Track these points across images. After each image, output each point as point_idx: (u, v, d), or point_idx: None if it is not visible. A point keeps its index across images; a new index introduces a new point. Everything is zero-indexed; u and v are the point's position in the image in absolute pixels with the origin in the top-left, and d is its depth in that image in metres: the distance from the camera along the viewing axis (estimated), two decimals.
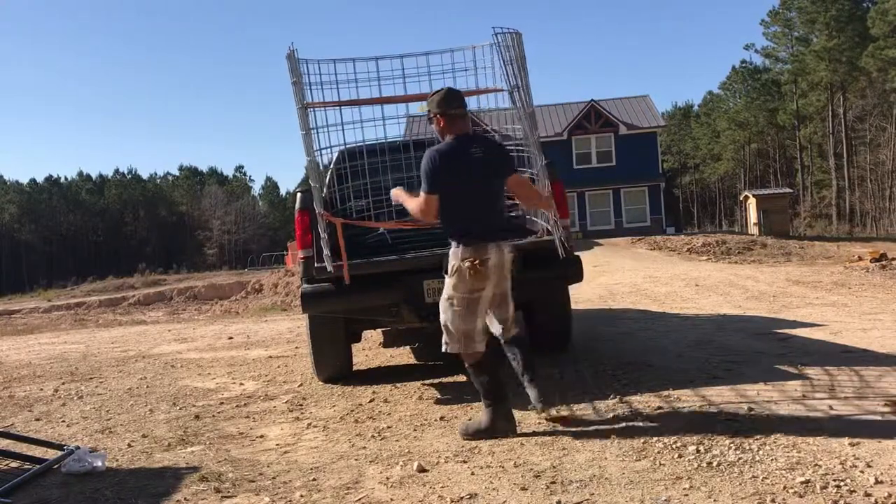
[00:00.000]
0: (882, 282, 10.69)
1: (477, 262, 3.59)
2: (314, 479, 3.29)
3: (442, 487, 3.02)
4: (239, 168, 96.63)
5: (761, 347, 5.59)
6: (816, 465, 2.91)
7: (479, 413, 3.88)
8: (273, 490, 3.19)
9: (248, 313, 17.39)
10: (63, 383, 6.67)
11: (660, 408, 3.94)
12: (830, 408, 3.70)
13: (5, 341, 12.52)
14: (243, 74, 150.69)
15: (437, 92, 3.86)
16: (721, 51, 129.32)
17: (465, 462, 3.33)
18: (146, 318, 19.15)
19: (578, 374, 4.96)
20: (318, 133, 4.67)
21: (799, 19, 54.35)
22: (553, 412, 3.78)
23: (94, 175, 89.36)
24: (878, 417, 3.51)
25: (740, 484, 2.78)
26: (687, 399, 4.09)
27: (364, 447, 3.74)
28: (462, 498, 2.89)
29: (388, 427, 4.07)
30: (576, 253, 5.09)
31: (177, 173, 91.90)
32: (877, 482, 2.70)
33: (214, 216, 73.29)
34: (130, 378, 6.73)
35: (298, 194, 5.15)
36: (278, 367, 6.70)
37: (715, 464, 3.01)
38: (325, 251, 4.42)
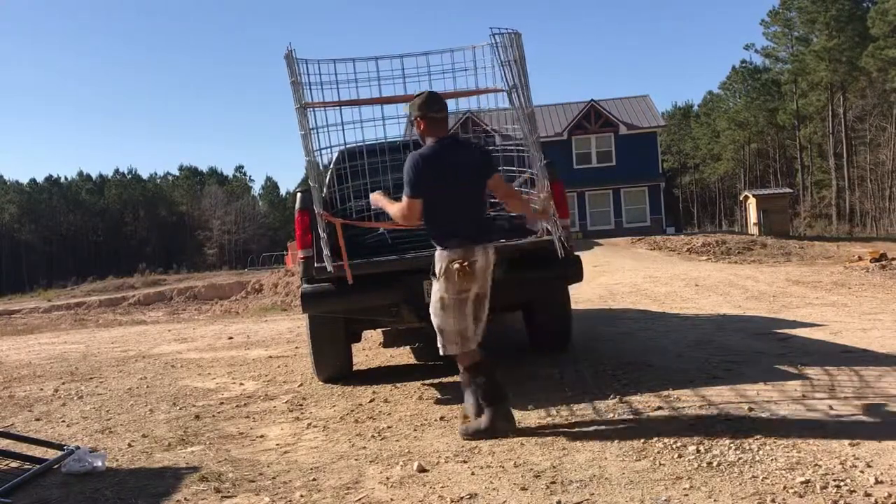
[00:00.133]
0: (882, 282, 10.69)
1: (466, 263, 3.64)
2: (314, 479, 3.29)
3: (442, 487, 3.02)
4: (239, 168, 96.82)
5: (761, 347, 5.59)
6: (816, 465, 2.91)
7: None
8: (273, 490, 3.19)
9: (248, 313, 17.39)
10: (63, 383, 6.68)
11: (660, 408, 3.94)
12: (830, 408, 3.70)
13: (5, 341, 12.52)
14: (243, 74, 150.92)
15: (418, 95, 3.90)
16: (721, 51, 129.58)
17: (465, 462, 3.33)
18: (146, 318, 19.15)
19: (578, 374, 4.96)
20: (317, 133, 4.67)
21: (799, 19, 54.37)
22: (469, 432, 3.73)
23: (94, 175, 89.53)
24: (878, 417, 3.51)
25: (740, 484, 2.78)
26: (687, 399, 4.09)
27: (364, 447, 3.74)
28: (462, 498, 2.89)
29: (388, 427, 4.08)
30: (576, 253, 5.08)
31: (177, 173, 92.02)
32: (877, 482, 2.70)
33: (214, 216, 73.31)
34: (130, 378, 6.73)
35: (298, 194, 5.15)
36: (278, 367, 6.71)
37: (715, 464, 3.02)
38: (325, 251, 4.42)
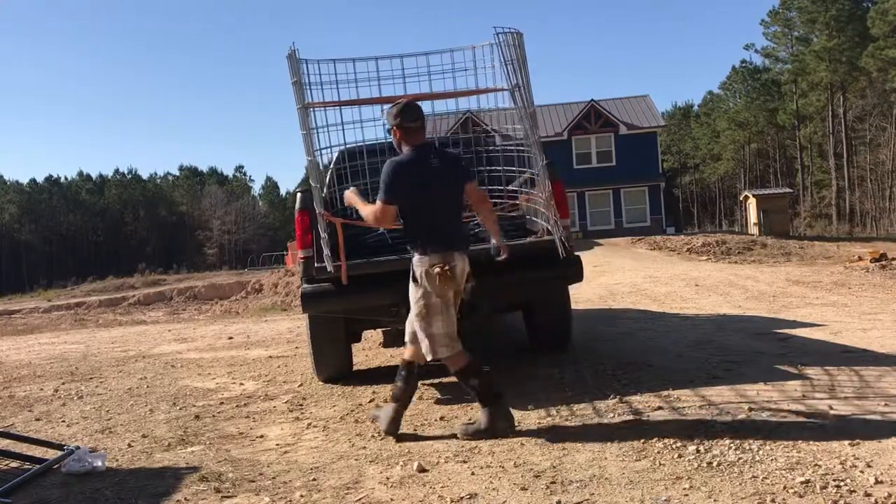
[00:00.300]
0: (882, 282, 10.70)
1: (447, 267, 3.68)
2: (314, 479, 3.29)
3: (442, 487, 3.03)
4: (239, 168, 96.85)
5: (761, 347, 5.59)
6: (816, 465, 2.91)
7: (477, 413, 3.87)
8: (273, 490, 3.19)
9: (248, 313, 17.39)
10: (63, 383, 6.68)
11: (660, 408, 3.94)
12: (830, 408, 3.70)
13: (5, 341, 12.52)
14: (243, 74, 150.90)
15: (395, 105, 3.95)
16: (721, 51, 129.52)
17: (465, 462, 3.33)
18: (146, 318, 19.16)
19: (578, 374, 4.96)
20: (318, 133, 4.68)
21: (799, 19, 54.38)
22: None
23: (94, 175, 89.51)
24: (878, 417, 3.51)
25: (740, 484, 2.79)
26: (687, 399, 4.09)
27: (364, 447, 3.74)
28: (462, 498, 2.89)
29: None
30: (576, 253, 5.09)
31: (177, 173, 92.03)
32: (877, 482, 2.70)
33: (214, 216, 73.32)
34: (130, 378, 6.73)
35: (298, 194, 5.15)
36: (278, 367, 6.71)
37: (715, 464, 3.02)
38: (325, 251, 4.42)
